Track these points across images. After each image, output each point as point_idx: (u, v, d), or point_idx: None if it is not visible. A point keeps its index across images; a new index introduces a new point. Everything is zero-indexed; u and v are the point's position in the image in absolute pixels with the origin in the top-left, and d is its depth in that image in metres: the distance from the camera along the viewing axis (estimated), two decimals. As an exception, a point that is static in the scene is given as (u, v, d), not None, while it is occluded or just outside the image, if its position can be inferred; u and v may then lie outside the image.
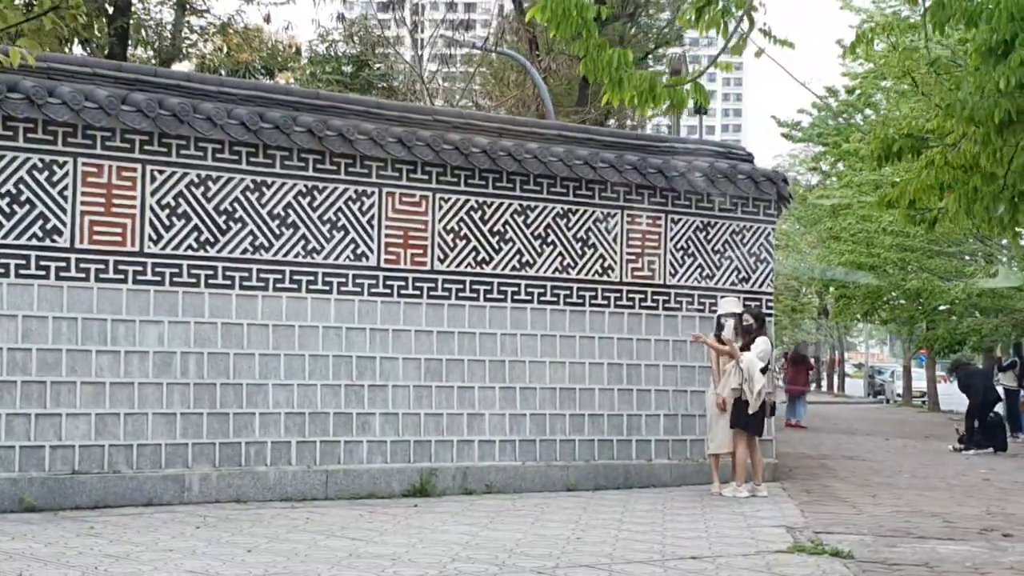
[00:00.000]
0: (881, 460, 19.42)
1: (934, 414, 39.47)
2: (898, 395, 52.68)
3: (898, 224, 25.17)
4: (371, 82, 27.37)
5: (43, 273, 11.24)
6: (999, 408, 23.41)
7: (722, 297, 14.40)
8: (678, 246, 14.75)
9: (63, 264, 11.33)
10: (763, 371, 13.33)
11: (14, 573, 7.94)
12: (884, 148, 7.29)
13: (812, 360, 30.02)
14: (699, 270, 14.88)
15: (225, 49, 26.05)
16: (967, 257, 33.27)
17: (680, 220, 14.77)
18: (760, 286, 15.32)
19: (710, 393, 13.85)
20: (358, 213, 12.83)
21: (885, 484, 15.48)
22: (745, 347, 13.46)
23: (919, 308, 35.37)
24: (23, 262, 11.14)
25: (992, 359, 34.72)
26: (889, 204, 7.53)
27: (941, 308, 34.80)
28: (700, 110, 23.44)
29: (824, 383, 72.15)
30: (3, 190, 11.09)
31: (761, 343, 13.50)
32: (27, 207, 11.17)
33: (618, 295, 14.34)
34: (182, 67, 25.19)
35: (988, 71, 6.83)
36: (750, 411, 13.39)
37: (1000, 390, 24.49)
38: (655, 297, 14.58)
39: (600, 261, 14.26)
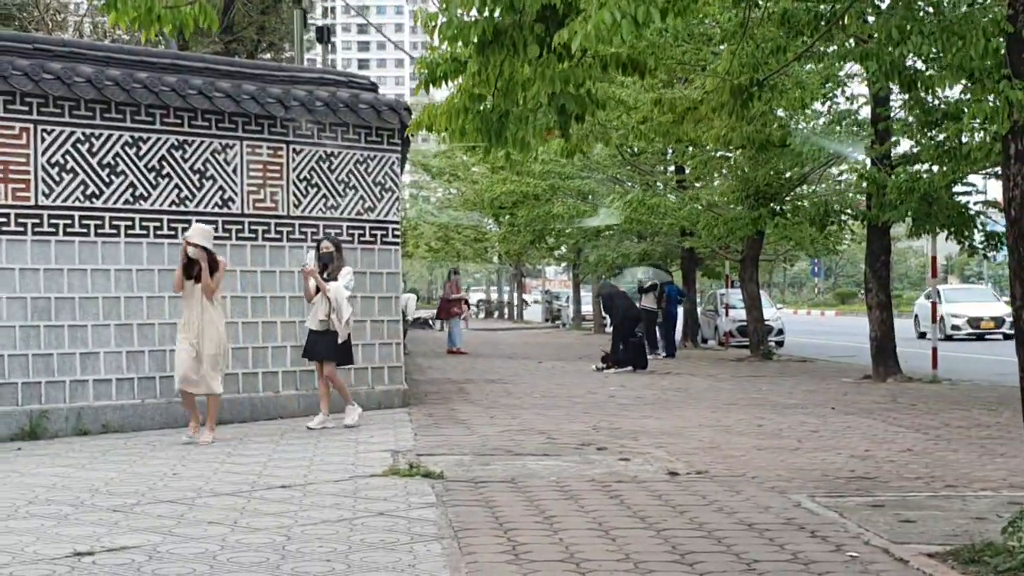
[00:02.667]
0: (521, 382, 20.02)
1: (599, 336, 41.00)
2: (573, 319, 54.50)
3: (550, 153, 25.86)
4: (9, 14, 26.06)
5: None
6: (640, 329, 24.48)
7: (195, 225, 12.81)
8: (301, 177, 14.70)
9: None
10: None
11: None
12: (431, 72, 7.43)
13: (455, 287, 30.57)
14: (323, 200, 14.88)
15: None
16: (627, 183, 34.45)
17: (302, 151, 14.71)
18: (386, 215, 15.44)
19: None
20: (-50, 146, 12.22)
21: (511, 405, 15.98)
22: (331, 277, 13.36)
23: (580, 234, 36.61)
24: None
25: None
26: (427, 128, 7.70)
27: (605, 234, 36.13)
28: (323, 39, 23.46)
29: (506, 312, 73.84)
30: None
31: (347, 272, 13.44)
32: None
33: (240, 227, 14.20)
34: None
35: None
36: (339, 341, 13.37)
37: (642, 311, 25.58)
38: (279, 229, 14.51)
39: (220, 193, 14.06)
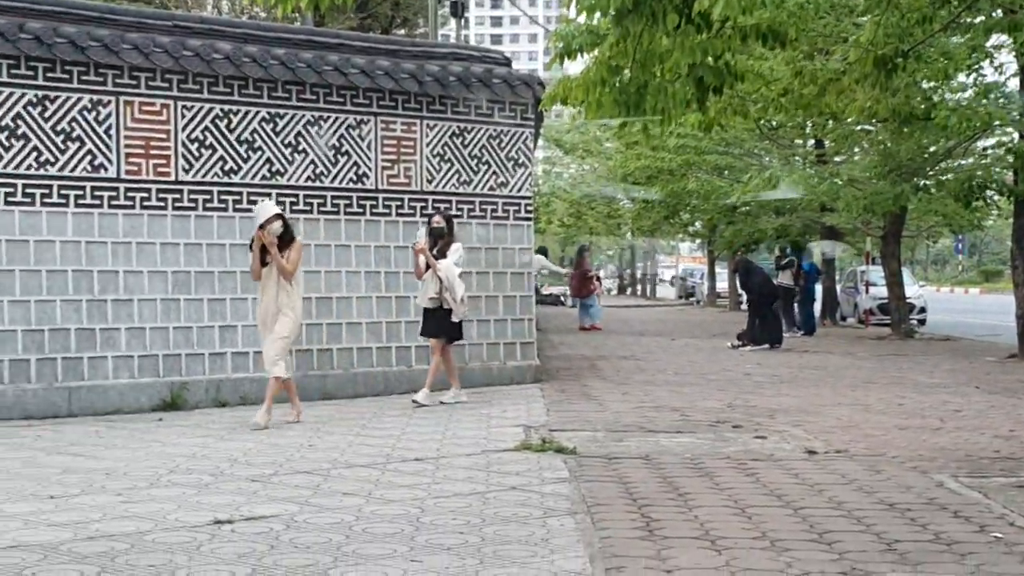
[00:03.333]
0: (654, 359, 19.86)
1: (735, 314, 40.52)
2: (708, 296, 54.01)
3: (686, 127, 25.56)
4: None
5: None
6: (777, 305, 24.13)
7: (262, 202, 12.30)
8: (434, 152, 14.73)
9: None
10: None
11: None
12: (566, 45, 7.33)
13: (586, 265, 30.47)
14: (456, 176, 14.89)
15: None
16: (765, 158, 33.89)
17: (436, 126, 14.73)
18: (519, 190, 15.41)
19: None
20: (94, 123, 12.47)
21: (644, 382, 15.85)
22: (441, 253, 13.10)
23: (715, 210, 36.16)
24: None
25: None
26: (562, 101, 7.60)
27: (741, 210, 35.66)
28: (457, 14, 23.46)
29: (639, 288, 73.54)
30: None
31: (456, 249, 13.18)
32: None
33: (374, 203, 14.28)
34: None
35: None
36: (453, 319, 13.16)
37: (778, 288, 25.21)
38: (412, 204, 14.55)
39: (354, 169, 14.16)
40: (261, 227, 11.48)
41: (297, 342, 13.56)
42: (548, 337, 24.52)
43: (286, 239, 11.58)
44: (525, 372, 15.42)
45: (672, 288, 72.20)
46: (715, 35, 7.32)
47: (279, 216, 11.65)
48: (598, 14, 7.08)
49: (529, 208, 15.65)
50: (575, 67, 8.25)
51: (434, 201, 14.68)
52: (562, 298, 46.99)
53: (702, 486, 8.33)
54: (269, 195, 13.48)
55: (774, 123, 29.73)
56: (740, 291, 33.40)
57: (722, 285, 50.99)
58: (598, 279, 30.62)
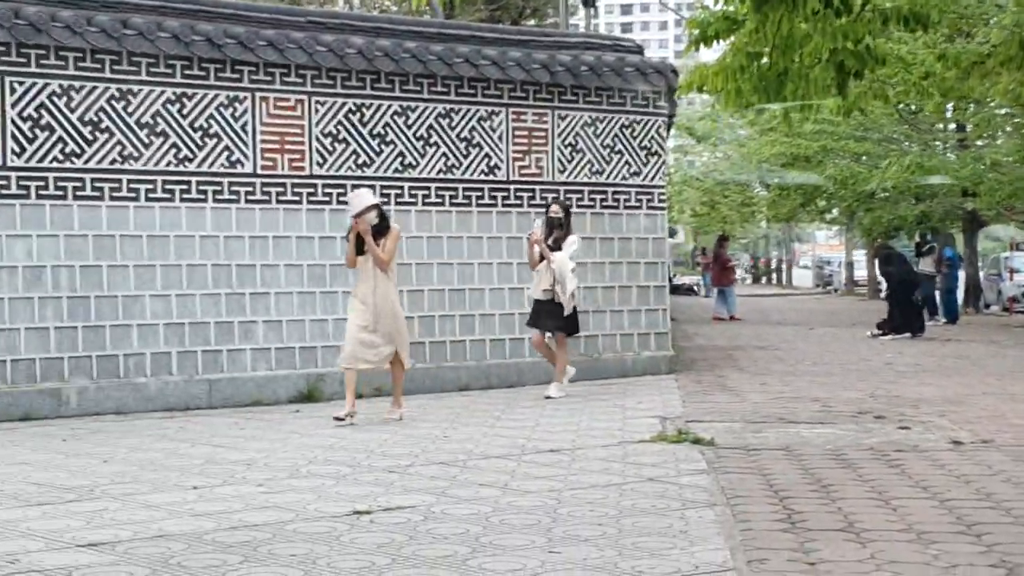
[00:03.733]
0: (792, 349, 19.55)
1: (873, 302, 39.75)
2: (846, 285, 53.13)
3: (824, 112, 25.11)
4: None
5: (-101, 191, 11.06)
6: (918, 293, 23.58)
7: (358, 191, 11.66)
8: (566, 142, 14.66)
9: (-79, 181, 11.15)
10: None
11: None
12: (701, 32, 7.21)
13: (726, 254, 30.13)
14: (588, 165, 14.81)
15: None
16: (904, 143, 33.15)
17: (567, 116, 14.66)
18: (652, 179, 15.28)
19: None
20: (231, 119, 12.65)
21: (783, 372, 15.60)
22: (557, 244, 12.87)
23: (853, 197, 35.49)
24: None
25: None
26: (699, 89, 7.47)
27: (880, 196, 34.97)
28: (588, 3, 23.32)
29: (773, 277, 72.64)
30: None
31: (572, 241, 12.92)
32: None
33: (505, 194, 14.26)
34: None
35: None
36: (565, 313, 12.90)
37: (919, 275, 24.64)
38: (544, 194, 14.50)
39: (486, 160, 14.16)
40: (357, 216, 11.19)
41: (430, 333, 13.66)
42: (682, 327, 24.30)
43: (382, 228, 11.26)
44: (659, 363, 15.29)
45: (809, 274, 71.10)
46: (856, 19, 7.15)
47: (375, 206, 11.31)
48: (736, 0, 6.95)
49: (662, 197, 15.50)
50: (709, 54, 8.12)
51: (566, 191, 14.62)
52: (695, 288, 46.62)
53: (844, 477, 8.15)
54: (401, 188, 13.56)
55: (914, 107, 29.06)
56: (880, 279, 32.77)
57: (860, 273, 50.09)
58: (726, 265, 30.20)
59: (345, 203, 13.16)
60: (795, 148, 32.57)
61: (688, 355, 17.89)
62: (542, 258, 12.85)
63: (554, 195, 14.20)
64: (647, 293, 15.33)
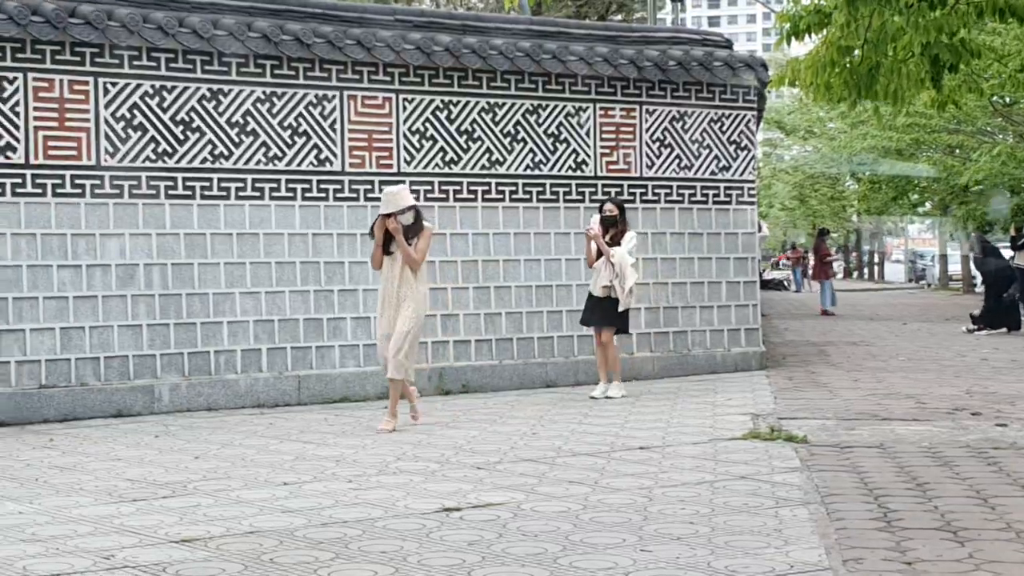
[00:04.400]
0: (884, 345, 19.26)
1: (968, 296, 39.07)
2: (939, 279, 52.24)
3: (917, 105, 24.73)
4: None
5: (-2, 191, 11.26)
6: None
7: (394, 189, 10.93)
8: (654, 137, 14.56)
9: (18, 180, 11.31)
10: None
11: (-49, 487, 8.01)
12: (792, 26, 7.09)
13: (825, 248, 29.88)
14: (677, 161, 14.70)
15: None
16: (998, 136, 32.52)
17: (655, 111, 14.56)
18: (742, 174, 15.13)
19: None
20: (319, 118, 12.72)
21: (875, 368, 15.37)
22: (614, 241, 12.65)
23: (947, 190, 34.96)
24: (-24, 181, 11.16)
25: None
26: (790, 83, 7.35)
27: (973, 189, 34.37)
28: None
29: (866, 271, 71.75)
30: (-49, 109, 11.07)
31: (631, 237, 12.73)
32: (-24, 125, 11.16)
33: (593, 190, 14.19)
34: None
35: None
36: (620, 308, 12.67)
37: (1016, 270, 24.14)
38: (632, 190, 14.42)
39: (573, 156, 14.11)
40: (391, 215, 10.49)
41: (517, 330, 13.64)
42: (772, 323, 24.06)
43: (416, 228, 10.63)
44: (750, 359, 15.14)
45: (902, 268, 70.09)
46: (950, 12, 7.02)
47: (412, 207, 10.64)
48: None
49: (752, 192, 15.34)
50: (797, 48, 8.03)
51: (654, 187, 14.54)
52: (785, 283, 46.16)
53: (941, 475, 7.99)
54: (488, 184, 13.56)
55: (1008, 99, 28.50)
56: (975, 273, 32.21)
57: (954, 267, 49.25)
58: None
59: (434, 199, 13.21)
60: (887, 141, 32.11)
61: (779, 351, 17.71)
62: (599, 254, 12.72)
63: (606, 193, 14.01)
64: (737, 288, 15.18)
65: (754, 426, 10.36)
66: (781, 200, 50.20)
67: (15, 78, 11.31)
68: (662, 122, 14.58)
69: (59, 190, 11.50)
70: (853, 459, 8.70)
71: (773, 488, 7.63)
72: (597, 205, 13.30)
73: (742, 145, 15.11)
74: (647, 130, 14.50)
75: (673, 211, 14.63)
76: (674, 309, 14.65)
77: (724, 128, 14.96)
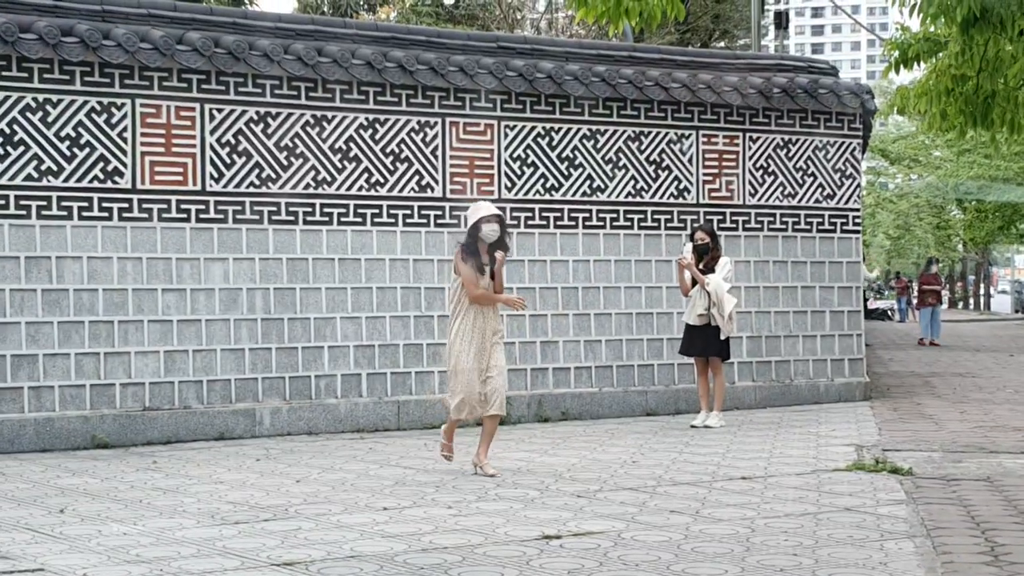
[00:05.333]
0: (991, 376, 18.85)
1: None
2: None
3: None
4: (473, 14, 27.19)
5: (106, 215, 11.43)
6: None
7: (478, 205, 9.90)
8: (757, 165, 14.43)
9: (125, 205, 11.52)
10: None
11: (58, 509, 8.13)
12: (901, 53, 6.97)
13: (927, 276, 29.37)
14: (780, 189, 14.55)
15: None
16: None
17: (759, 138, 14.43)
18: (846, 202, 14.93)
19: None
20: (421, 144, 12.79)
21: (981, 400, 15.04)
22: (708, 268, 12.54)
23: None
24: (86, 204, 11.35)
25: None
26: (899, 111, 7.22)
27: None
28: (781, 24, 22.96)
29: (971, 301, 70.44)
30: (63, 133, 11.29)
31: (725, 263, 12.61)
32: (87, 150, 11.35)
33: (695, 217, 14.08)
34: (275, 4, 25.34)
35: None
36: (722, 336, 12.56)
37: None
38: (734, 218, 14.30)
39: (675, 183, 14.02)
40: (475, 226, 9.56)
41: (617, 357, 13.57)
42: (876, 353, 23.68)
43: (499, 243, 9.69)
44: (854, 389, 14.90)
45: (1008, 299, 68.69)
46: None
47: (498, 218, 9.67)
48: (941, 21, 6.71)
49: (857, 220, 15.13)
50: (906, 76, 7.91)
51: (757, 215, 14.40)
52: (889, 312, 45.45)
53: (1053, 512, 7.78)
54: (589, 212, 13.52)
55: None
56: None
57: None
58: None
59: (534, 226, 13.20)
60: (995, 170, 31.59)
61: (883, 381, 17.41)
62: (694, 283, 12.60)
63: (696, 221, 13.86)
64: (840, 318, 14.96)
65: (858, 457, 10.18)
66: (885, 229, 49.45)
67: (123, 104, 11.53)
68: (766, 149, 14.45)
69: (165, 215, 11.68)
70: (960, 492, 8.50)
71: (878, 520, 7.48)
72: (689, 233, 13.24)
73: (847, 173, 14.92)
74: (750, 157, 14.38)
75: (776, 239, 14.48)
76: (776, 338, 14.47)
77: (829, 156, 14.78)
